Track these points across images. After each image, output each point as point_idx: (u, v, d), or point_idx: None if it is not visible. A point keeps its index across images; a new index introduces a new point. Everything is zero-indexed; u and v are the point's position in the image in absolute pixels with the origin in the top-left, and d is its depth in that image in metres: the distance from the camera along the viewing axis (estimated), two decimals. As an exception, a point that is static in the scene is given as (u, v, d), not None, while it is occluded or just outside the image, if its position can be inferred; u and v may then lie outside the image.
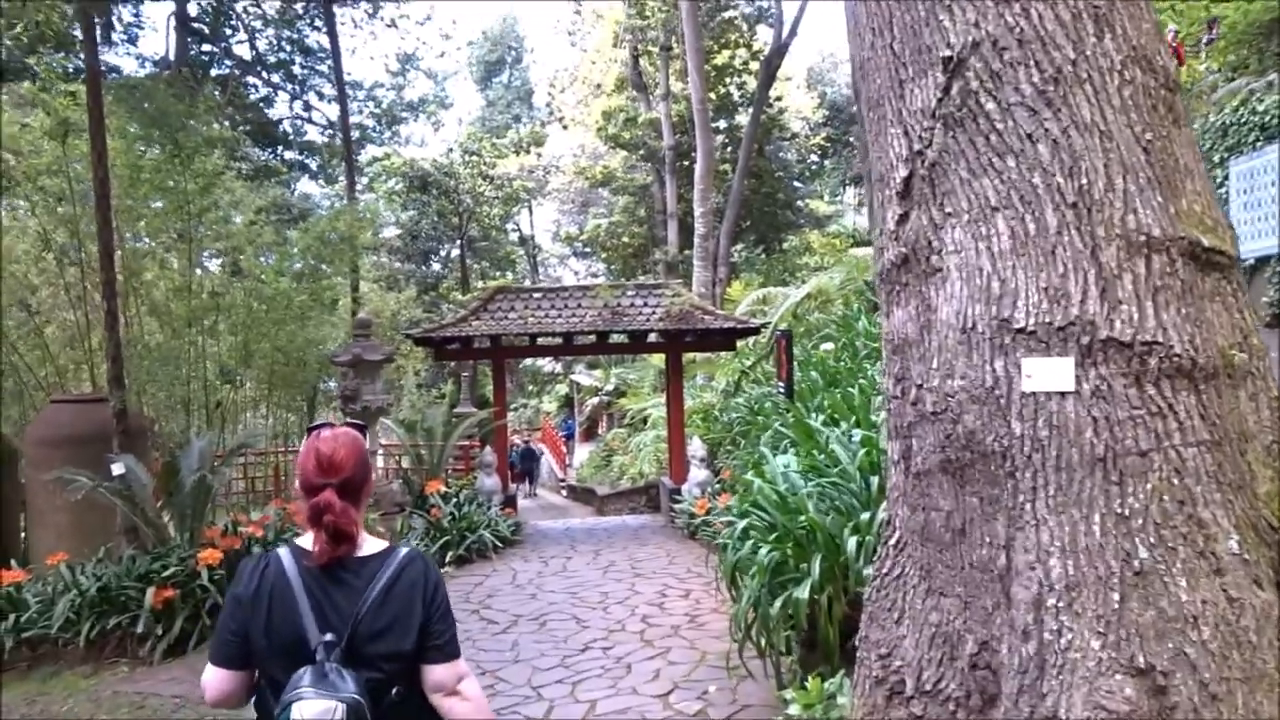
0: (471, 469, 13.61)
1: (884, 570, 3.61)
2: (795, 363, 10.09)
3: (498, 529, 11.15)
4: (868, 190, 13.38)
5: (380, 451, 12.89)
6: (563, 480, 29.37)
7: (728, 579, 5.29)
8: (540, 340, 13.79)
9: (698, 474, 12.38)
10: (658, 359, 24.34)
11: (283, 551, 2.26)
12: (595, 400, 32.60)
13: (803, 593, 4.23)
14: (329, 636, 2.12)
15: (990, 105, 3.09)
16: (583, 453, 31.44)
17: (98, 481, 7.54)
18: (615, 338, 14.04)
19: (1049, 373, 2.96)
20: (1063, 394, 2.95)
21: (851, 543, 4.25)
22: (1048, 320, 2.96)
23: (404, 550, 2.30)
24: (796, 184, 37.08)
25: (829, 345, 10.93)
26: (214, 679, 2.24)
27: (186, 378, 10.66)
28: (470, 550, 10.55)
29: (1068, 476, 2.94)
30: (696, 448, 12.66)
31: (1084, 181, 2.99)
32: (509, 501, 13.23)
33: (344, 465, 2.23)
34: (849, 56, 3.59)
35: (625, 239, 33.06)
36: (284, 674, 2.13)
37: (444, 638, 2.24)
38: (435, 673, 2.22)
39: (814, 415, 6.92)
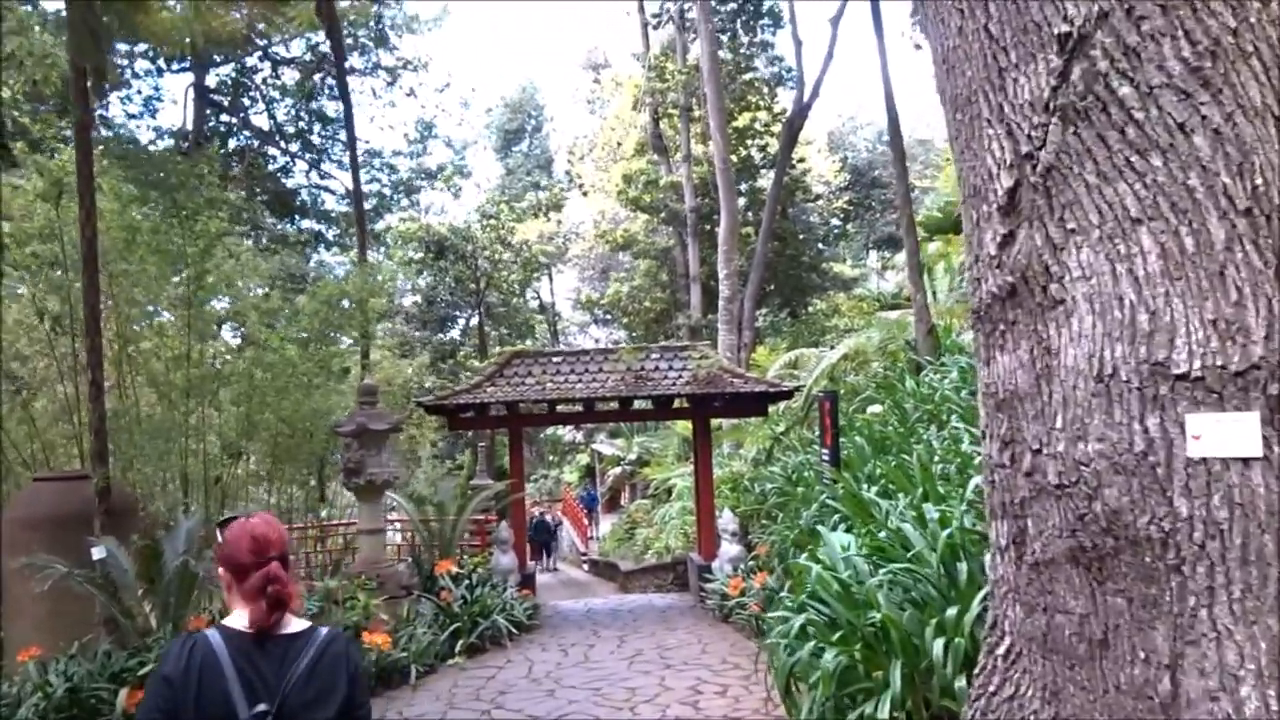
0: (487, 545, 12.91)
1: (990, 688, 2.88)
2: (839, 428, 9.38)
3: (513, 614, 10.44)
4: (908, 246, 12.82)
5: (388, 529, 12.21)
6: (584, 554, 28.80)
7: (782, 687, 4.51)
8: (560, 407, 13.36)
9: (729, 549, 11.79)
10: (683, 426, 24.19)
11: (209, 631, 2.41)
12: (617, 470, 32.38)
13: (883, 711, 3.46)
14: (261, 707, 2.29)
15: (1125, 90, 2.44)
16: (606, 524, 31.10)
17: (69, 568, 6.89)
18: (639, 403, 13.64)
19: (1225, 433, 2.26)
20: (1246, 461, 2.25)
21: (936, 646, 3.49)
22: (1220, 363, 2.28)
23: (325, 630, 2.50)
24: (820, 246, 36.68)
25: (876, 408, 10.22)
26: None
27: (183, 451, 10.13)
28: (483, 638, 9.85)
29: (1260, 574, 2.23)
30: (727, 521, 12.03)
31: (1259, 182, 2.31)
32: (527, 581, 12.63)
33: (278, 543, 2.47)
34: (930, 50, 2.95)
35: (647, 303, 32.90)
36: None
37: (365, 709, 2.52)
38: None
39: (865, 486, 6.18)
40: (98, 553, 7.06)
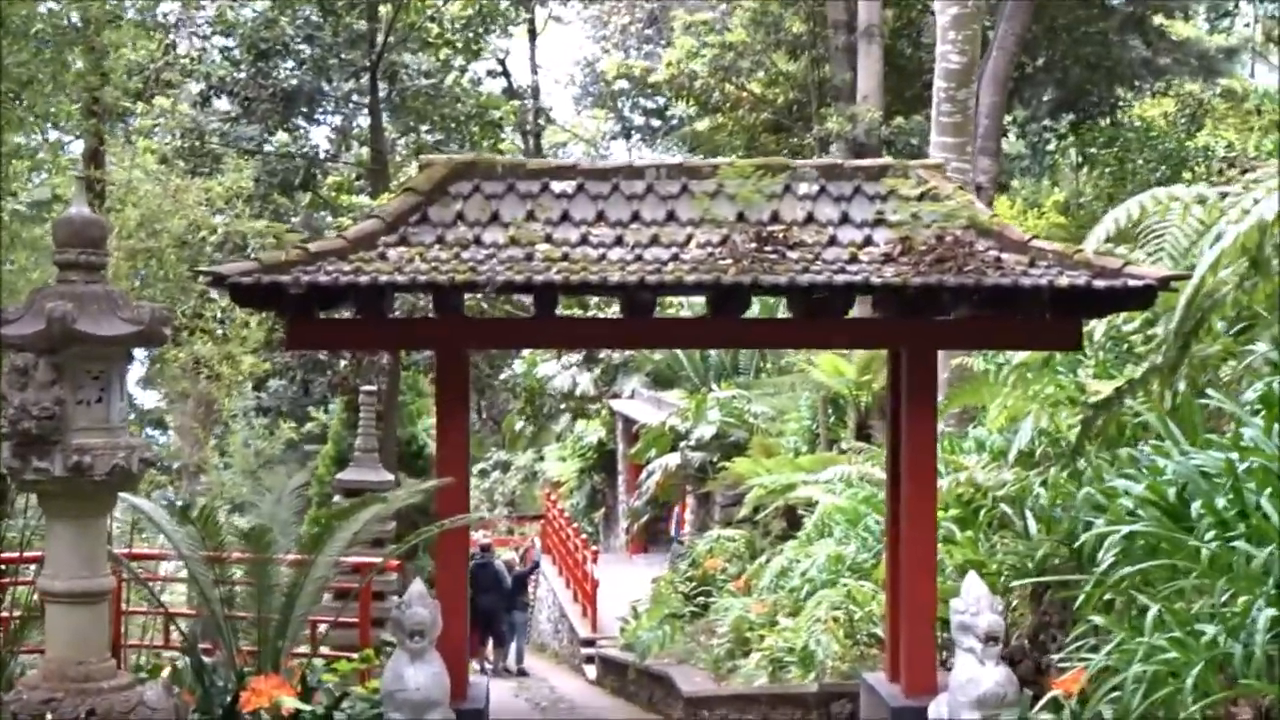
0: (372, 641, 12.41)
1: None
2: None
3: None
4: None
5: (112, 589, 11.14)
6: (589, 644, 29.07)
7: None
8: (562, 306, 13.02)
9: (974, 673, 10.60)
10: (832, 365, 22.84)
11: None
12: (669, 461, 31.73)
13: None
14: None
15: None
16: (636, 575, 31.57)
17: None
18: (758, 306, 13.04)
19: None
20: None
21: None
22: None
23: None
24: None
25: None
26: None
27: None
28: None
29: None
30: (974, 603, 10.87)
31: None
32: None
33: None
34: None
35: (754, 88, 32.77)
36: None
37: None
38: None
39: None
40: None
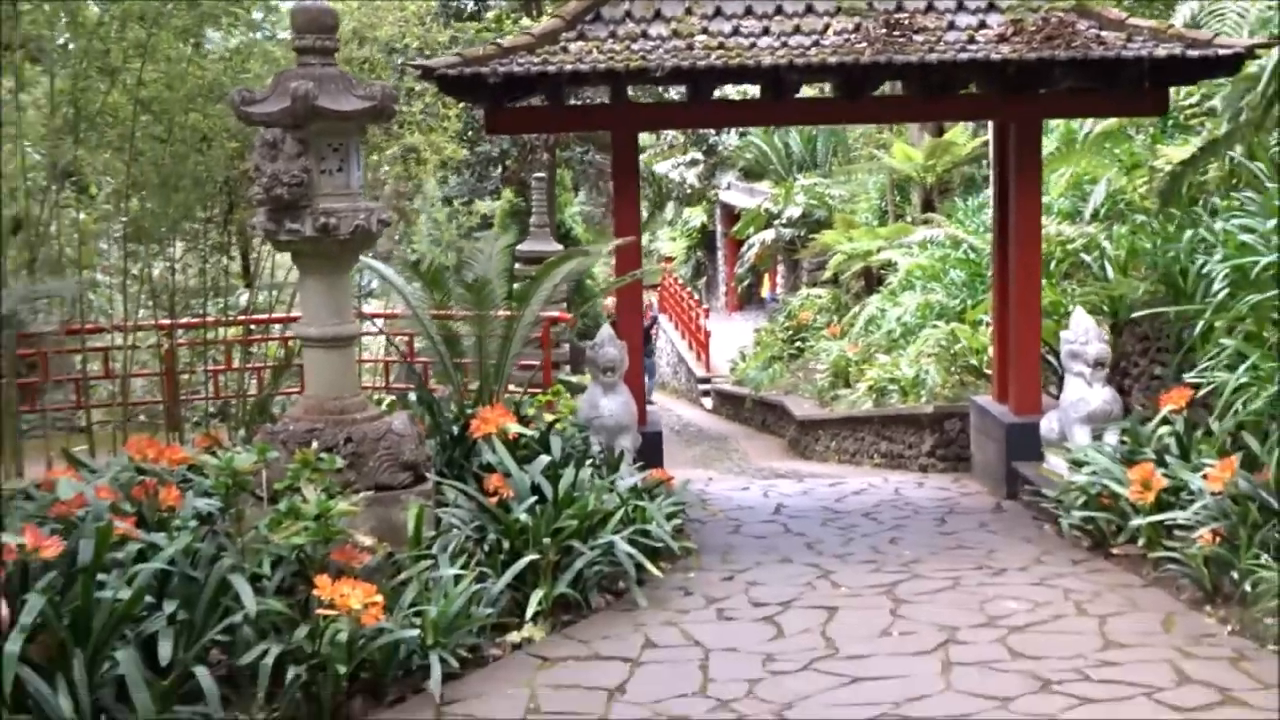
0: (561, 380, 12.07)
1: None
2: None
3: (645, 529, 8.18)
4: None
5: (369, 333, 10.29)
6: (704, 381, 28.00)
7: None
8: (717, 90, 11.73)
9: (1082, 394, 9.88)
10: (904, 154, 21.51)
11: None
12: (765, 236, 30.59)
13: None
14: None
15: None
16: (737, 329, 30.53)
17: None
18: (886, 85, 11.89)
19: None
20: None
21: None
22: None
23: None
24: None
25: None
26: None
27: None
28: (583, 585, 7.59)
29: None
30: (1081, 334, 10.03)
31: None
32: (649, 448, 10.75)
33: None
34: None
35: None
36: None
37: None
38: None
39: None
40: None
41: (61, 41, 9.86)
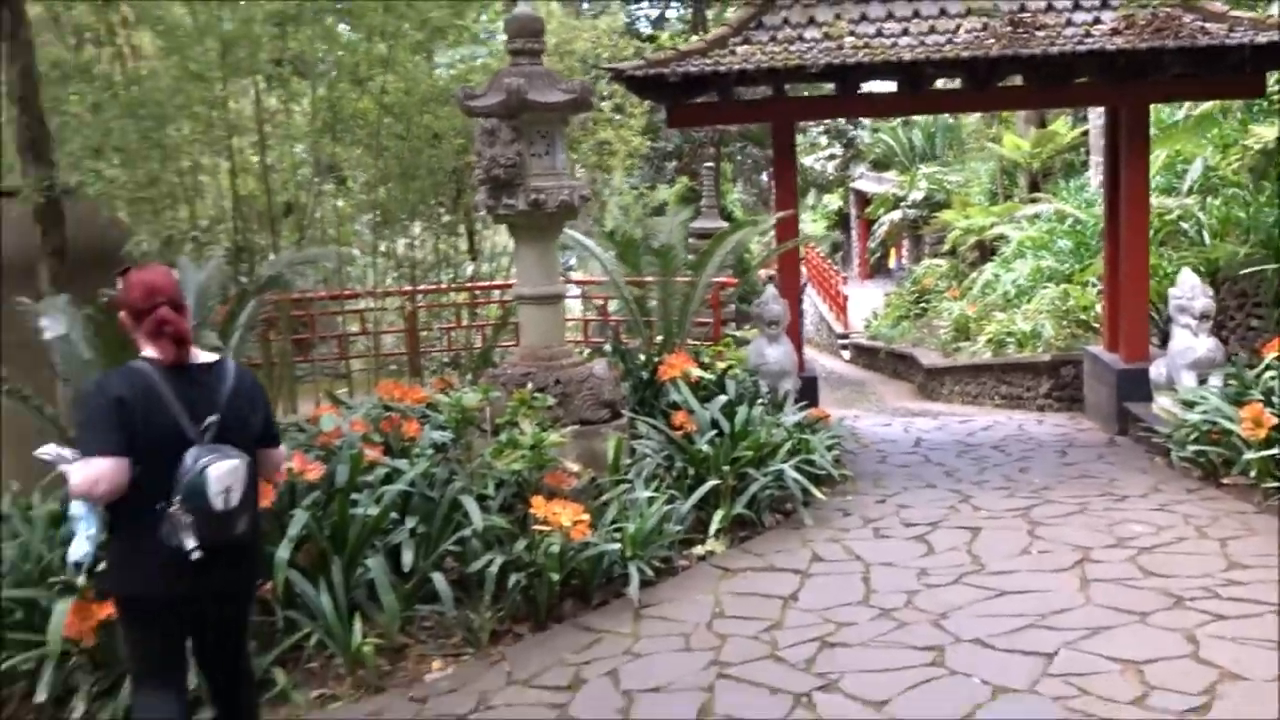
0: (729, 334, 11.13)
1: None
2: None
3: (809, 458, 7.64)
4: None
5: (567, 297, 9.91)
6: (843, 337, 26.83)
7: None
8: (865, 85, 10.57)
9: (1188, 343, 8.87)
10: (1013, 143, 20.36)
11: (137, 364, 3.50)
12: (893, 216, 29.23)
13: None
14: (214, 416, 3.45)
15: None
16: (869, 294, 29.16)
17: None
18: (1013, 78, 10.35)
19: None
20: None
21: None
22: None
23: (230, 362, 3.72)
24: None
25: None
26: (114, 469, 3.31)
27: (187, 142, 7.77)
28: (757, 506, 7.11)
29: None
30: (1188, 290, 8.99)
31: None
32: (807, 390, 10.16)
33: (165, 288, 3.55)
34: None
35: None
36: (161, 461, 3.35)
37: (276, 428, 3.92)
38: (274, 454, 3.86)
39: None
40: (50, 325, 5.38)
41: (319, 57, 9.55)
